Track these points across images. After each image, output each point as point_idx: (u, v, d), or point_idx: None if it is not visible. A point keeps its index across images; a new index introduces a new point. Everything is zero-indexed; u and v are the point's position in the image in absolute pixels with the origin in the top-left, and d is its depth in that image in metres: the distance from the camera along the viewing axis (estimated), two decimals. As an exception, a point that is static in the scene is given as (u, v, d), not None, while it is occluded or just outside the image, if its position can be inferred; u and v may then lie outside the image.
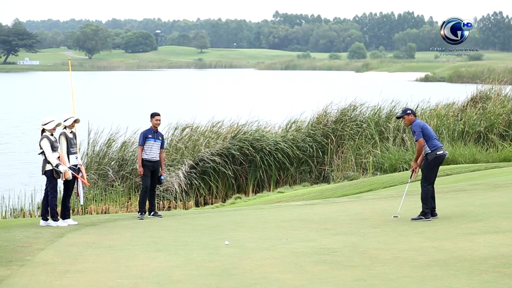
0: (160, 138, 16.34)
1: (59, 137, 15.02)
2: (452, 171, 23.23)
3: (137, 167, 16.57)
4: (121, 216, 17.07)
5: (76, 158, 15.10)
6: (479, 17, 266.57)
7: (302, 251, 11.38)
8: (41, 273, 10.18)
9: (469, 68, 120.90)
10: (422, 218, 13.90)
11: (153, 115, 16.37)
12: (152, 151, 16.17)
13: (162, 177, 16.47)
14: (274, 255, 11.13)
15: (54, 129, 14.83)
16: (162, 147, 16.38)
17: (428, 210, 13.94)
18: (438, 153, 13.93)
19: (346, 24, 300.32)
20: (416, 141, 13.98)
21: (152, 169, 16.20)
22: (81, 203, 16.06)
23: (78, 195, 15.58)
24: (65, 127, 15.11)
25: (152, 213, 16.38)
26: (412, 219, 14.00)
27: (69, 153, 14.96)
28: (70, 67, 17.61)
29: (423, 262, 10.22)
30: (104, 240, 12.99)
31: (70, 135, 15.08)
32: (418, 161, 14.11)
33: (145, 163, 16.16)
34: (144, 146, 16.19)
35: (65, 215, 15.10)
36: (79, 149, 15.44)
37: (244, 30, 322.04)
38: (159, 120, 16.34)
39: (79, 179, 15.16)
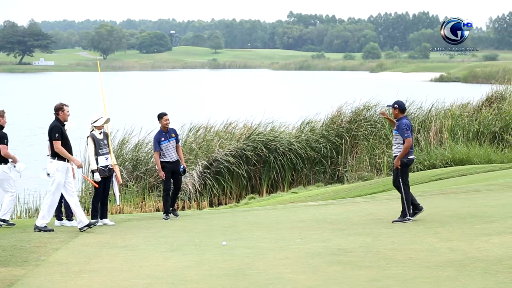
0: (173, 135, 16.15)
1: (87, 138, 14.98)
2: (467, 172, 23.13)
3: (158, 172, 16.39)
4: (135, 216, 17.12)
5: (106, 159, 14.95)
6: (494, 17, 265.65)
7: (316, 251, 11.37)
8: (55, 273, 10.23)
9: (484, 68, 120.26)
10: (404, 220, 13.92)
11: (161, 116, 16.16)
12: (169, 151, 16.03)
13: (181, 167, 16.25)
14: (288, 255, 11.12)
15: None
16: (177, 142, 16.25)
17: (409, 211, 13.98)
18: (410, 157, 14.12)
19: (360, 24, 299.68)
20: (404, 139, 13.94)
21: (172, 170, 16.10)
22: (117, 203, 16.08)
23: (114, 195, 15.55)
24: (93, 128, 15.07)
25: (171, 209, 16.32)
26: (393, 221, 14.01)
27: (97, 154, 14.87)
28: (99, 67, 17.47)
29: (438, 263, 10.19)
30: (119, 240, 13.02)
31: (100, 136, 14.95)
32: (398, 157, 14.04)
33: (164, 164, 16.06)
34: (160, 150, 16.06)
35: (102, 215, 15.13)
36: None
37: (259, 30, 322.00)
38: (168, 120, 16.14)
39: (113, 180, 15.12)
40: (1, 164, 14.66)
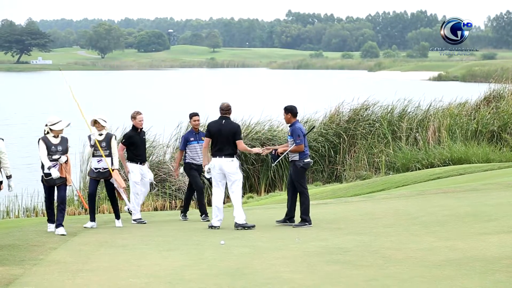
0: (203, 139, 15.86)
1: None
2: (465, 171, 23.13)
3: (173, 172, 16.09)
4: (134, 215, 17.07)
5: (98, 161, 14.50)
6: (493, 15, 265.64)
7: (314, 250, 11.36)
8: (53, 272, 10.22)
9: (483, 67, 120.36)
10: (306, 224, 14.00)
11: (191, 116, 15.97)
12: (198, 153, 15.79)
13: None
14: (286, 254, 11.12)
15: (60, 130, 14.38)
16: None
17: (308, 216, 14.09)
18: (305, 161, 14.15)
19: (359, 23, 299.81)
20: (297, 144, 13.99)
21: (199, 172, 15.96)
22: (127, 206, 15.78)
23: (121, 198, 15.34)
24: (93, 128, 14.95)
25: (202, 215, 15.89)
26: (294, 225, 14.07)
27: (92, 155, 14.65)
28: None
29: (436, 262, 10.19)
30: (117, 239, 13.02)
31: (99, 138, 14.54)
32: (281, 150, 14.25)
33: (192, 166, 15.88)
34: (187, 150, 15.82)
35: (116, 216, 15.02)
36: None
37: (257, 29, 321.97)
38: (198, 121, 15.93)
39: (114, 183, 14.74)
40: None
